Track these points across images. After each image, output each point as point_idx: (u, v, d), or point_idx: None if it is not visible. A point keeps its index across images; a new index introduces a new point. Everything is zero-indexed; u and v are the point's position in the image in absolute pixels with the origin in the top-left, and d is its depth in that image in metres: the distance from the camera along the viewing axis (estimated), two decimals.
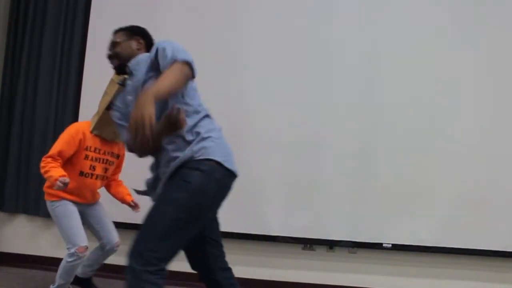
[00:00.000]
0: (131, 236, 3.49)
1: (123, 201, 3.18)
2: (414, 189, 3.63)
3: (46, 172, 2.76)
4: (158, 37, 3.86)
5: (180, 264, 3.92)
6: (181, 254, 4.21)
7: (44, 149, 3.98)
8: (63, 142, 2.86)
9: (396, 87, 3.71)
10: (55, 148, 2.86)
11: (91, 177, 2.96)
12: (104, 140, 2.99)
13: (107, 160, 3.02)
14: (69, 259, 2.84)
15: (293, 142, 3.77)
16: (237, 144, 3.80)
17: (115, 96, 2.63)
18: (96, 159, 2.96)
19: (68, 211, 2.90)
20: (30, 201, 4.00)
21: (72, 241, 2.86)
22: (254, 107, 3.81)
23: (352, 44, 3.76)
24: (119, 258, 3.29)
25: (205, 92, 3.86)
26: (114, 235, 3.07)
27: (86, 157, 2.92)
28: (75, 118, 3.97)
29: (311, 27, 3.80)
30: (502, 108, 3.64)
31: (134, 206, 3.14)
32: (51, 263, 3.94)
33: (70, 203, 2.94)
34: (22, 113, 4.06)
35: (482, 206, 3.57)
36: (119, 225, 3.34)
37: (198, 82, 3.92)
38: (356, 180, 3.68)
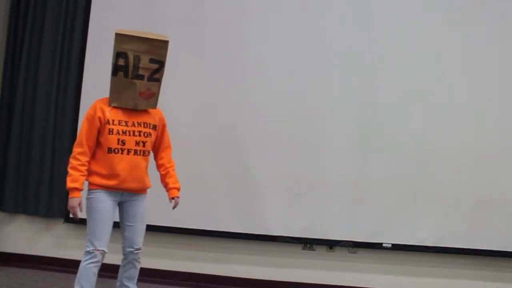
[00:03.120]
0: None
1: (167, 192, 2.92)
2: (414, 189, 3.63)
3: (68, 175, 2.66)
4: None
5: (180, 264, 3.93)
6: (181, 254, 4.22)
7: (44, 149, 3.99)
8: (84, 127, 2.68)
9: (396, 88, 3.71)
10: (78, 139, 2.70)
11: (124, 153, 2.68)
12: (129, 111, 2.74)
13: (139, 132, 2.73)
14: (85, 259, 2.66)
15: (293, 142, 3.77)
16: (237, 144, 3.82)
17: (117, 59, 2.62)
18: (123, 132, 2.68)
19: (99, 206, 2.67)
20: (30, 201, 3.99)
21: (90, 240, 2.66)
22: (254, 107, 3.81)
23: (352, 44, 3.76)
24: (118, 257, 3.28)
25: (205, 92, 3.88)
26: (137, 240, 2.80)
27: (111, 131, 2.67)
28: (75, 118, 3.98)
29: (310, 27, 3.79)
30: (502, 108, 3.64)
31: (174, 205, 2.92)
32: (51, 263, 3.94)
33: (107, 197, 2.69)
34: (22, 113, 4.05)
35: (482, 206, 3.57)
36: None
37: (198, 82, 3.94)
38: (356, 180, 3.68)
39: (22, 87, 4.06)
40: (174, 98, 3.85)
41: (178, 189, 2.90)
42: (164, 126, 2.91)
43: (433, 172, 3.64)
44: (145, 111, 2.81)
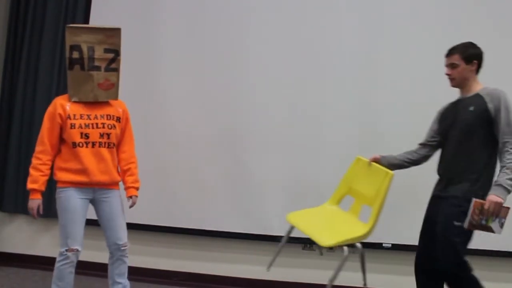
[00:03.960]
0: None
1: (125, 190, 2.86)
2: (414, 189, 3.63)
3: (29, 175, 2.65)
4: (158, 37, 3.90)
5: (180, 264, 3.93)
6: (180, 253, 4.21)
7: None
8: (44, 125, 2.69)
9: (396, 88, 3.70)
10: (39, 138, 2.70)
11: (88, 146, 2.66)
12: (91, 104, 2.71)
13: (103, 124, 2.70)
14: (58, 259, 2.66)
15: (293, 142, 3.77)
16: (237, 144, 3.82)
17: (71, 52, 2.61)
18: (86, 125, 2.66)
19: (70, 205, 2.64)
20: None
21: (63, 240, 2.65)
22: (254, 107, 3.81)
23: (352, 45, 3.76)
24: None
25: (205, 93, 3.88)
26: (120, 236, 2.78)
27: (73, 126, 2.64)
28: None
29: (311, 27, 3.80)
30: None
31: (131, 204, 2.85)
32: (51, 263, 3.88)
33: (77, 194, 2.67)
34: (22, 113, 4.06)
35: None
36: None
37: (198, 82, 3.94)
38: None
39: (22, 87, 4.06)
40: (174, 98, 3.86)
41: (137, 189, 2.87)
42: (127, 118, 2.87)
43: (433, 172, 3.63)
44: (107, 104, 2.78)
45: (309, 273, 3.79)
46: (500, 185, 2.37)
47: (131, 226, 3.54)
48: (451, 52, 2.69)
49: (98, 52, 2.66)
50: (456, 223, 2.45)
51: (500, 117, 2.46)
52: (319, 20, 3.80)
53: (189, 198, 3.82)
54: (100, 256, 3.43)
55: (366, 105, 3.71)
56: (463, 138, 2.55)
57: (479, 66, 2.67)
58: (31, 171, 2.65)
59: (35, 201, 2.65)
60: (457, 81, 2.66)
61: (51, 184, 3.97)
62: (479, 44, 3.67)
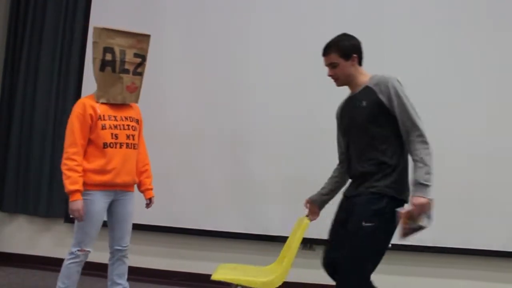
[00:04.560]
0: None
1: (141, 192, 2.93)
2: None
3: (66, 177, 2.60)
4: (158, 37, 3.89)
5: (180, 264, 3.93)
6: (180, 253, 4.21)
7: (44, 149, 3.99)
8: (75, 126, 2.65)
9: None
10: (70, 140, 2.66)
11: (117, 147, 2.69)
12: (115, 106, 2.75)
13: (128, 125, 2.77)
14: (68, 258, 2.68)
15: (293, 142, 3.77)
16: (237, 144, 3.82)
17: (104, 54, 2.64)
18: (115, 127, 2.70)
19: (93, 209, 2.65)
20: (30, 201, 4.00)
21: (78, 241, 2.67)
22: (254, 107, 3.81)
23: None
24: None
25: (205, 93, 3.88)
26: (126, 239, 2.82)
27: (103, 126, 2.67)
28: None
29: (311, 27, 3.80)
30: (502, 108, 3.64)
31: (149, 204, 2.96)
32: (51, 263, 3.93)
33: (101, 198, 2.68)
34: (22, 113, 4.06)
35: (482, 206, 3.57)
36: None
37: (198, 82, 3.94)
38: None
39: (22, 88, 4.06)
40: (174, 98, 3.86)
41: (152, 190, 2.97)
42: (142, 121, 2.94)
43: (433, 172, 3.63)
44: (129, 106, 2.85)
45: (309, 273, 3.79)
46: (419, 183, 2.14)
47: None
48: (327, 51, 2.48)
49: (129, 56, 2.72)
50: (365, 224, 2.21)
51: (394, 106, 2.25)
52: (320, 20, 3.79)
53: (189, 198, 3.82)
54: (103, 256, 3.41)
55: None
56: (363, 136, 2.32)
57: (360, 57, 2.47)
58: (69, 173, 2.60)
59: (79, 202, 2.60)
60: (342, 80, 2.46)
61: (52, 184, 3.99)
62: (480, 44, 3.70)
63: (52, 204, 3.98)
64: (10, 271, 3.85)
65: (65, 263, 2.68)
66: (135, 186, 2.90)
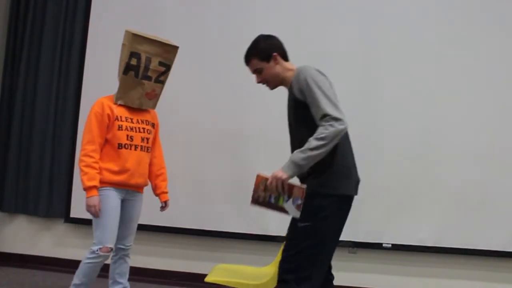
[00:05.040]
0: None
1: (156, 195, 2.97)
2: (414, 189, 3.63)
3: (84, 173, 2.62)
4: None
5: (179, 264, 3.93)
6: (180, 253, 4.21)
7: (44, 149, 3.99)
8: (93, 124, 2.67)
9: (396, 87, 3.70)
10: (88, 137, 2.67)
11: (132, 148, 2.73)
12: (132, 108, 2.79)
13: (143, 128, 2.80)
14: (88, 256, 2.64)
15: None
16: (237, 144, 3.82)
17: (130, 58, 2.66)
18: (131, 129, 2.74)
19: (110, 205, 2.67)
20: (30, 201, 4.00)
21: (99, 239, 2.65)
22: (255, 108, 3.81)
23: (352, 45, 3.76)
24: None
25: (205, 93, 3.88)
26: (130, 239, 2.86)
27: (120, 127, 2.71)
28: (75, 118, 3.98)
29: (311, 27, 3.80)
30: (502, 108, 3.63)
31: (164, 207, 2.99)
32: (51, 263, 3.94)
33: (116, 195, 2.71)
34: (22, 113, 4.06)
35: (482, 206, 3.57)
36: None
37: (198, 82, 3.94)
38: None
39: (22, 88, 4.07)
40: (173, 98, 3.85)
41: (167, 193, 3.00)
42: (158, 125, 2.98)
43: (433, 172, 3.64)
44: (145, 110, 2.88)
45: None
46: (292, 160, 2.07)
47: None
48: (247, 59, 2.40)
49: (154, 64, 2.75)
50: (300, 224, 2.13)
51: (307, 98, 2.13)
52: (320, 20, 3.79)
53: (189, 198, 3.82)
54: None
55: (367, 105, 3.71)
56: (296, 137, 2.26)
57: (282, 54, 2.36)
58: (86, 169, 2.62)
59: (96, 198, 2.62)
60: (273, 83, 2.36)
61: (51, 184, 4.00)
62: (480, 44, 3.70)
63: (52, 204, 3.98)
64: (10, 271, 3.85)
65: (85, 261, 2.66)
66: (148, 188, 2.91)
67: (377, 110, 3.71)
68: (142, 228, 3.78)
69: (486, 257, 3.60)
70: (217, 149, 3.81)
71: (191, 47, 3.89)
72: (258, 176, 2.16)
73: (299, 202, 2.11)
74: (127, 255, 2.86)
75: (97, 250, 2.64)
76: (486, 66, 3.67)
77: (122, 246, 2.83)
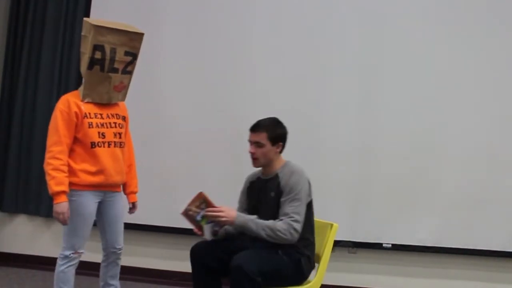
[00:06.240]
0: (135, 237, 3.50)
1: (125, 194, 2.83)
2: (414, 189, 3.63)
3: (51, 177, 2.47)
4: (158, 37, 3.89)
5: (179, 264, 3.92)
6: (180, 253, 4.19)
7: (44, 149, 3.96)
8: (59, 124, 2.51)
9: (396, 88, 3.70)
10: (54, 138, 2.51)
11: (105, 146, 2.59)
12: (100, 103, 2.63)
13: (114, 123, 2.66)
14: (61, 263, 2.57)
15: (293, 142, 3.73)
16: (237, 144, 3.81)
17: (93, 52, 2.50)
18: (101, 125, 2.59)
19: (86, 211, 2.56)
20: (30, 201, 4.00)
21: (71, 244, 2.57)
22: (255, 108, 3.80)
23: (353, 45, 3.76)
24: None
25: (205, 93, 3.87)
26: (119, 241, 2.75)
27: (90, 125, 2.55)
28: None
29: (312, 27, 3.79)
30: (502, 108, 3.63)
31: (132, 208, 2.86)
32: (51, 263, 3.89)
33: (92, 199, 2.59)
34: (22, 113, 4.06)
35: (482, 206, 3.57)
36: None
37: (198, 82, 3.94)
38: (356, 180, 3.68)
39: (22, 88, 4.07)
40: (173, 97, 3.86)
41: (136, 193, 2.87)
42: (128, 117, 2.83)
43: (433, 172, 3.64)
44: (114, 103, 2.73)
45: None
46: (250, 221, 2.36)
47: (130, 226, 3.54)
48: (258, 129, 2.54)
49: (119, 55, 2.58)
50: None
51: (288, 193, 2.41)
52: (321, 20, 3.79)
53: (189, 198, 3.80)
54: (95, 256, 3.40)
55: (367, 105, 3.71)
56: (272, 208, 2.45)
57: (283, 147, 2.60)
58: (54, 173, 2.46)
59: (64, 205, 2.48)
60: (262, 162, 2.54)
61: None
62: (480, 44, 3.70)
63: (52, 204, 3.97)
64: (10, 271, 3.85)
65: (60, 268, 2.57)
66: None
67: (377, 110, 3.71)
68: (142, 228, 3.80)
69: (486, 257, 3.60)
70: (218, 149, 3.81)
71: (191, 47, 3.89)
72: (200, 194, 2.41)
73: (217, 229, 2.48)
74: (118, 258, 2.77)
75: (69, 254, 2.56)
76: (486, 66, 3.67)
77: (114, 250, 2.73)
